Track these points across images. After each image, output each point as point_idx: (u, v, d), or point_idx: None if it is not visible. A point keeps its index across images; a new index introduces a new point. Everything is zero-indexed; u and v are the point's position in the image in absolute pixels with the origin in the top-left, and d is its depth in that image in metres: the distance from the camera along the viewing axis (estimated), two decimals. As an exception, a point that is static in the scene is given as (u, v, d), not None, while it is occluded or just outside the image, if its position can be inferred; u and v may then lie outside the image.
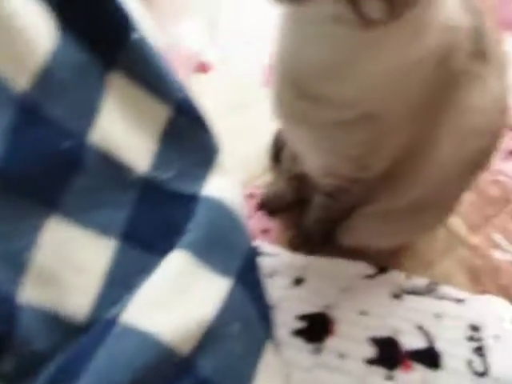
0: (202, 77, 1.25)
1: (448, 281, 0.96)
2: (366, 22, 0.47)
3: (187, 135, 0.78)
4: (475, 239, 1.04)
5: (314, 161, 0.77)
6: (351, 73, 0.57)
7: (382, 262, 0.94)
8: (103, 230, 0.63)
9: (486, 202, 1.10)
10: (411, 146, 0.67)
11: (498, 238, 1.04)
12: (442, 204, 0.81)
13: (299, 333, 0.84)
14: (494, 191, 1.11)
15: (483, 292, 0.96)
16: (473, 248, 1.02)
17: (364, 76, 0.57)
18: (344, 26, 0.49)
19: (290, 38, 0.61)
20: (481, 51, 0.64)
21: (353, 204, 0.83)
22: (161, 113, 0.75)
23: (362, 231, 0.87)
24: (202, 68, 1.25)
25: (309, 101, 0.61)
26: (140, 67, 0.71)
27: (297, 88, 0.62)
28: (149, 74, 0.73)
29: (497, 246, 1.03)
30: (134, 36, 0.70)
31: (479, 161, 0.74)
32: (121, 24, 0.68)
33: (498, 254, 1.02)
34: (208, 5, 1.38)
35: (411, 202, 0.76)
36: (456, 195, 0.81)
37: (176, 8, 1.38)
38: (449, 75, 0.62)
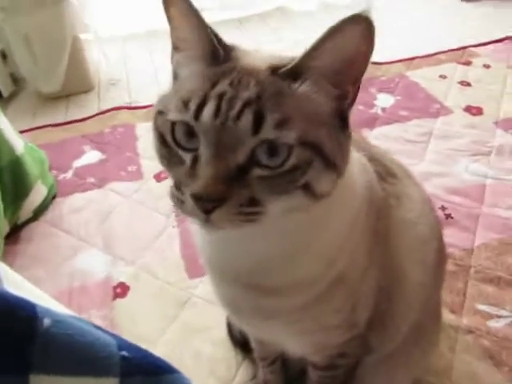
0: (122, 301, 1.12)
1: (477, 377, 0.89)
2: (319, 197, 0.46)
3: None
4: (465, 320, 0.99)
5: (296, 346, 0.69)
6: (312, 250, 0.53)
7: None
8: None
9: (447, 278, 1.09)
10: (384, 283, 0.63)
11: (483, 307, 1.01)
12: (433, 317, 0.76)
13: None
14: (448, 265, 1.11)
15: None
16: (470, 331, 0.97)
17: (322, 247, 0.54)
18: (297, 212, 0.46)
19: (228, 242, 0.54)
20: (388, 172, 0.66)
21: (355, 363, 0.74)
22: None
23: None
24: (120, 293, 1.14)
25: (275, 296, 0.55)
26: (61, 356, 0.59)
27: (256, 289, 0.56)
28: (75, 358, 0.60)
29: (489, 316, 1.00)
30: (45, 323, 0.59)
31: (441, 258, 0.73)
32: (24, 317, 0.58)
33: (495, 324, 0.98)
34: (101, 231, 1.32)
35: (409, 334, 0.70)
36: (438, 299, 0.77)
37: (72, 243, 1.29)
38: (380, 204, 0.62)
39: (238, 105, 0.42)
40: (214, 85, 0.44)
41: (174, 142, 0.46)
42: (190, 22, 0.46)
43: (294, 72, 0.44)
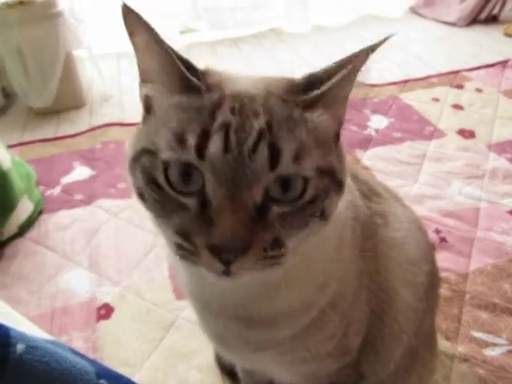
0: (106, 323, 1.08)
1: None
2: (329, 220, 0.44)
3: None
4: (461, 348, 0.96)
5: (286, 375, 0.65)
6: (301, 275, 0.50)
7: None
8: None
9: (442, 303, 1.06)
10: (375, 306, 0.61)
11: (478, 335, 0.99)
12: (428, 343, 0.73)
13: None
14: (442, 290, 1.09)
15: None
16: (466, 359, 0.94)
17: (311, 271, 0.51)
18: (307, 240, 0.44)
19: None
20: (373, 192, 0.65)
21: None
22: None
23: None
24: (104, 314, 1.10)
25: (265, 327, 0.52)
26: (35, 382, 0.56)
27: (244, 321, 0.52)
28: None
29: (485, 344, 0.97)
30: (18, 349, 0.55)
31: (434, 281, 0.71)
32: None
33: (491, 352, 0.95)
34: (87, 249, 1.28)
35: (403, 361, 0.67)
36: (432, 324, 0.75)
37: (57, 261, 1.25)
38: (366, 222, 0.60)
39: (251, 136, 0.37)
40: (211, 115, 0.38)
41: (169, 186, 0.39)
42: (155, 53, 0.40)
43: (312, 101, 0.41)
